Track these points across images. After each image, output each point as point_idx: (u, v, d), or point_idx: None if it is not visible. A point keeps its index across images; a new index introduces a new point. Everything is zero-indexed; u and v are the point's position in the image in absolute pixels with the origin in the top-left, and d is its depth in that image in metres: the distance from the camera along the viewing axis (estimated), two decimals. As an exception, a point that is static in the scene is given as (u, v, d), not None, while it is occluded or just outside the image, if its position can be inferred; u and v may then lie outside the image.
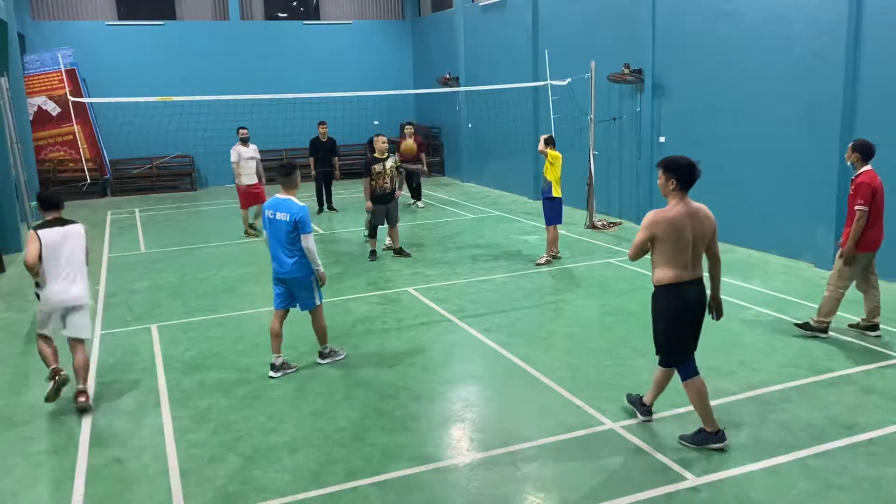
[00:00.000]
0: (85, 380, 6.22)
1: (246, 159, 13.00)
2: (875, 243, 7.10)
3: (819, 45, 9.75)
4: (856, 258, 7.04)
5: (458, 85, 19.33)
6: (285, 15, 22.14)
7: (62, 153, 18.77)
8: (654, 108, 12.88)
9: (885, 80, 9.07)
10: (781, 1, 10.26)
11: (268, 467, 5.14)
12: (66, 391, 6.23)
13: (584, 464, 5.06)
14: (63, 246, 6.13)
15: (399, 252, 11.44)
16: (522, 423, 5.69)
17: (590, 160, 13.26)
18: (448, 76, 20.15)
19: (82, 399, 6.10)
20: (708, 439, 5.16)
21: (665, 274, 5.09)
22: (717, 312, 5.42)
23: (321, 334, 7.04)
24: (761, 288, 9.12)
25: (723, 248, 11.13)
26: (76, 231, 6.27)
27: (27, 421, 6.04)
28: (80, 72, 18.70)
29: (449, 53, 20.30)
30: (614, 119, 13.84)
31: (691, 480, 4.79)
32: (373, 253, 11.33)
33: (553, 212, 10.52)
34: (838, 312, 7.33)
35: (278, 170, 6.81)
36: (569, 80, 13.85)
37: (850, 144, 7.12)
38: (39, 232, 6.10)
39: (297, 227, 6.50)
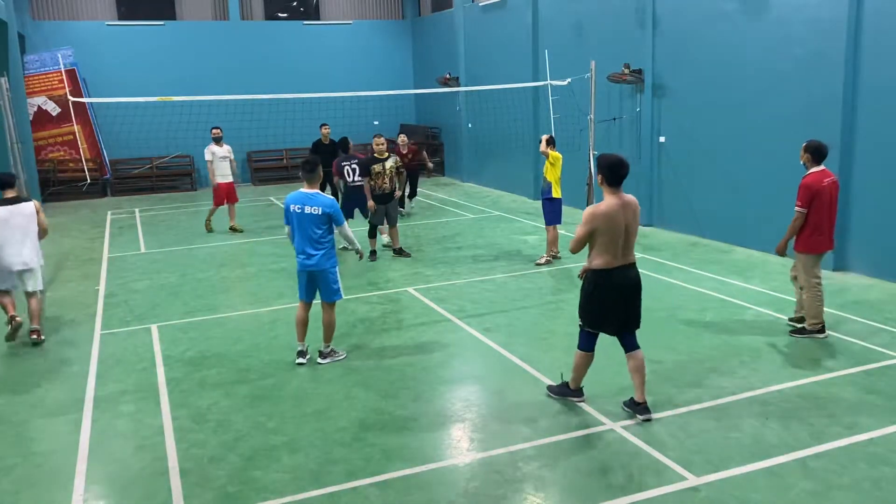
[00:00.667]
0: (37, 321, 7.90)
1: (219, 158, 13.50)
2: (817, 247, 7.15)
3: (819, 45, 9.75)
4: (808, 259, 7.15)
5: (458, 85, 19.33)
6: (285, 15, 22.15)
7: (62, 153, 18.77)
8: (654, 108, 12.88)
9: (885, 80, 9.07)
10: (781, 1, 10.27)
11: (268, 467, 5.14)
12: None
13: (584, 464, 5.07)
14: (13, 219, 7.73)
15: (399, 252, 11.45)
16: (522, 423, 5.69)
17: (590, 160, 13.25)
18: (448, 76, 20.15)
19: (34, 336, 7.82)
20: (566, 392, 6.04)
21: (597, 261, 5.63)
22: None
23: (330, 330, 7.09)
24: (761, 288, 9.12)
25: (723, 247, 11.32)
26: (26, 208, 7.86)
27: (27, 421, 6.04)
28: (80, 72, 18.70)
29: (449, 53, 20.30)
30: (614, 119, 13.84)
31: (691, 480, 4.79)
32: (373, 253, 11.33)
33: (553, 212, 10.53)
34: (827, 309, 7.37)
35: (302, 166, 6.94)
36: (569, 80, 13.85)
37: (804, 145, 7.18)
38: None
39: (331, 220, 6.78)
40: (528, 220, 14.13)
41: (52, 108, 18.45)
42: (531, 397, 6.17)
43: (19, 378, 7.03)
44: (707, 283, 9.39)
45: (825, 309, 7.46)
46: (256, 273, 10.63)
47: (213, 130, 13.65)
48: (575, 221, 13.32)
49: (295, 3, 22.32)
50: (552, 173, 10.29)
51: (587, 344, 5.89)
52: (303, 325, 7.03)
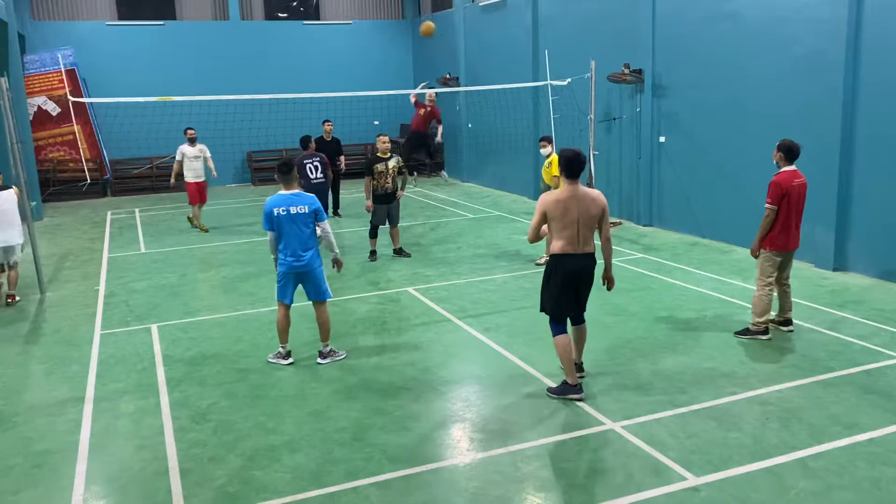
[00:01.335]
0: (13, 287, 9.42)
1: (190, 158, 13.73)
2: (785, 245, 7.17)
3: (819, 45, 9.75)
4: (769, 257, 7.17)
5: (458, 85, 19.33)
6: (285, 15, 22.15)
7: (62, 153, 18.76)
8: (654, 108, 12.88)
9: (885, 80, 9.07)
10: (781, 1, 10.27)
11: (268, 467, 5.14)
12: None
13: (584, 464, 5.07)
14: (2, 204, 9.12)
15: (399, 252, 11.45)
16: (522, 423, 5.70)
17: (590, 160, 13.25)
18: (448, 76, 20.15)
19: (10, 300, 9.34)
20: (568, 390, 6.04)
21: (554, 246, 5.95)
22: (609, 284, 6.25)
23: (326, 329, 7.09)
24: (761, 288, 9.12)
25: (723, 247, 11.32)
26: (7, 194, 9.22)
27: (27, 421, 6.04)
28: (80, 72, 18.69)
29: (449, 53, 20.30)
30: (614, 119, 13.84)
31: (691, 480, 4.79)
32: (373, 253, 11.33)
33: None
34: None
35: (278, 168, 6.92)
36: (569, 80, 13.85)
37: (777, 144, 7.22)
38: None
39: (316, 216, 6.82)
40: (529, 220, 14.11)
41: (52, 108, 18.45)
42: (531, 397, 6.17)
43: (19, 378, 7.03)
44: (707, 283, 9.39)
45: (785, 312, 7.51)
46: (256, 273, 10.63)
47: (188, 131, 13.92)
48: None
49: (295, 3, 22.32)
50: (550, 174, 10.27)
51: (556, 329, 6.08)
52: (286, 328, 7.05)
